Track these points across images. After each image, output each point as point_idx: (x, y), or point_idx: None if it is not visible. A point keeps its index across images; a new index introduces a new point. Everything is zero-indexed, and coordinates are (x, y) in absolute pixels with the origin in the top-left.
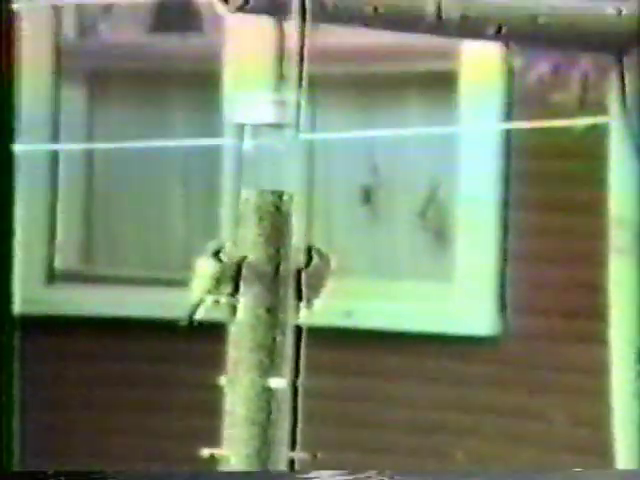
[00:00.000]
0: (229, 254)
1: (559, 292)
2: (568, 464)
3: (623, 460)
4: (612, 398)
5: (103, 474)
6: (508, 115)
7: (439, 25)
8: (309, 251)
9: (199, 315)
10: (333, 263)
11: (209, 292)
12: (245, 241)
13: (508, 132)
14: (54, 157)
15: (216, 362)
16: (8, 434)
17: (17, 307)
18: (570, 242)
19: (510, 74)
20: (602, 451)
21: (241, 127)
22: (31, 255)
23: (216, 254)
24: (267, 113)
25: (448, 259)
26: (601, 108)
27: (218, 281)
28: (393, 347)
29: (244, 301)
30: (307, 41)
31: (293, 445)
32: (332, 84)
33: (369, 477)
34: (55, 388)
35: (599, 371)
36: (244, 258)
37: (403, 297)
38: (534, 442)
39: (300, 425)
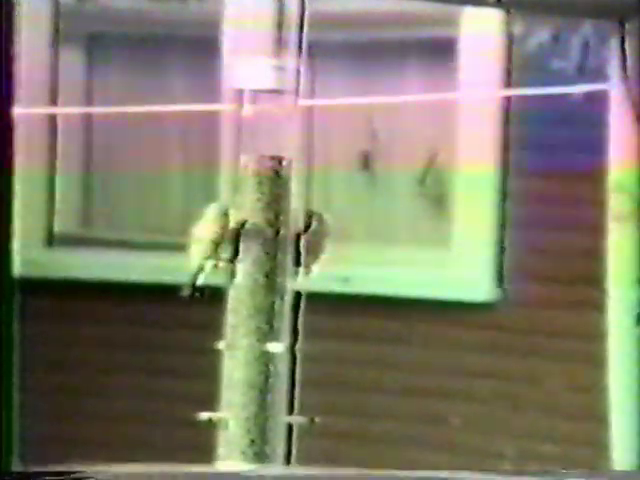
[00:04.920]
0: (229, 218)
1: (557, 259)
2: (563, 429)
3: (619, 427)
4: (609, 364)
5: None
6: (507, 82)
7: None
8: (308, 216)
9: (200, 282)
10: (331, 228)
11: (208, 257)
12: (244, 206)
13: (508, 99)
14: (53, 121)
15: (215, 326)
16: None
17: (16, 269)
18: (568, 209)
19: (510, 41)
20: (598, 417)
21: (240, 93)
22: (30, 218)
23: (219, 216)
24: (266, 79)
25: (446, 226)
26: (601, 75)
27: (217, 245)
28: (390, 313)
29: (243, 266)
30: (307, 7)
31: (291, 409)
32: (332, 50)
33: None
34: (52, 350)
35: (596, 337)
36: (244, 222)
37: (401, 263)
38: (530, 407)
39: (298, 389)
